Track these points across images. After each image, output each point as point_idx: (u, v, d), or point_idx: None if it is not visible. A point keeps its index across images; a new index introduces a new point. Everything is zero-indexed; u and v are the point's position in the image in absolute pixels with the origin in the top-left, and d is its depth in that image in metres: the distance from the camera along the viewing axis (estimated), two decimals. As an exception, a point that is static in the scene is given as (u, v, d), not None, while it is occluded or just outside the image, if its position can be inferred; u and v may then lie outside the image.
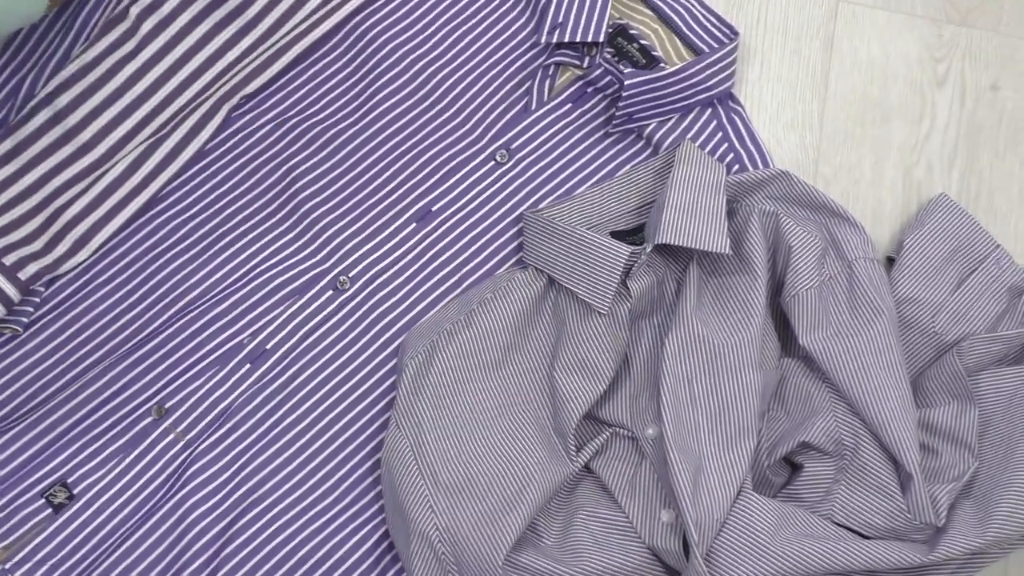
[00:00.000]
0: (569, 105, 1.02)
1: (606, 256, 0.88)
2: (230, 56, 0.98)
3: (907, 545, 0.84)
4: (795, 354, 0.94)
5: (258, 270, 0.96)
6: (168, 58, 0.96)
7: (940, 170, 1.05)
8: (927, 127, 1.06)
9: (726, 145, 1.02)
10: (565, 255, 0.91)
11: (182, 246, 0.96)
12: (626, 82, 0.96)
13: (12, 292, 0.91)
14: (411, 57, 1.02)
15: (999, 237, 1.03)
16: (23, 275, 0.92)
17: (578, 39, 0.99)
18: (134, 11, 0.96)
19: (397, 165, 0.99)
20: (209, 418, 0.92)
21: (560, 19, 1.00)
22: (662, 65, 1.04)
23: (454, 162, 1.00)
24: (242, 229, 0.97)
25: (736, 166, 1.01)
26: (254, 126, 0.99)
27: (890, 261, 1.01)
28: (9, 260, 0.91)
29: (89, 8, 0.98)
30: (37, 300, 0.93)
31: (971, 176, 1.05)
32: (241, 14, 0.98)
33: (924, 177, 1.05)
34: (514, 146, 1.00)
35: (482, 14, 1.04)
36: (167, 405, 0.92)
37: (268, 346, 0.94)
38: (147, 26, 0.96)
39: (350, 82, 1.01)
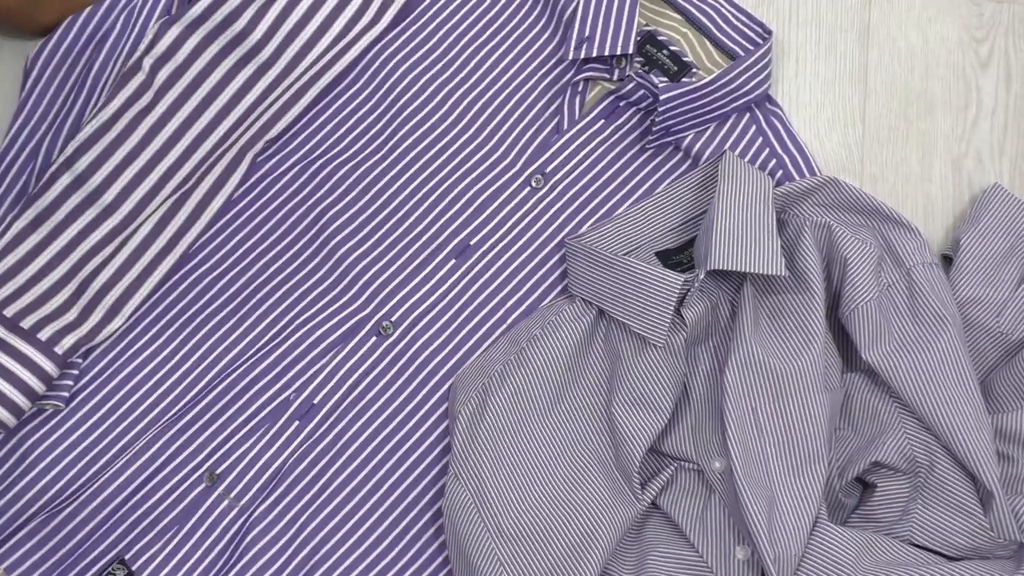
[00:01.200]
0: (602, 121, 0.98)
1: (659, 287, 0.85)
2: (249, 99, 0.95)
3: (993, 564, 0.81)
4: (857, 367, 0.91)
5: (298, 322, 0.93)
6: (186, 106, 0.93)
7: (990, 158, 1.02)
8: (973, 114, 1.02)
9: (767, 151, 0.98)
10: (615, 287, 0.87)
11: (217, 303, 0.93)
12: (661, 97, 0.93)
13: (50, 367, 0.89)
14: (434, 85, 0.98)
15: (1057, 224, 0.99)
16: (60, 349, 0.89)
17: (607, 52, 0.96)
18: (147, 62, 0.93)
19: (429, 200, 0.96)
20: (262, 480, 0.90)
21: (587, 33, 0.96)
22: (694, 70, 1.00)
23: (488, 191, 0.97)
24: (277, 280, 0.94)
25: (779, 171, 0.97)
26: (279, 171, 0.96)
27: (945, 259, 0.98)
28: (44, 335, 0.89)
29: (100, 63, 0.95)
30: (76, 372, 0.91)
31: (1022, 163, 1.02)
32: (256, 55, 0.95)
33: (974, 168, 1.01)
34: (549, 169, 0.97)
35: (503, 33, 1.00)
36: (218, 471, 0.90)
37: (315, 400, 0.92)
38: (162, 76, 0.93)
39: (373, 117, 0.98)
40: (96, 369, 0.92)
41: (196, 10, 0.94)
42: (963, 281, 0.93)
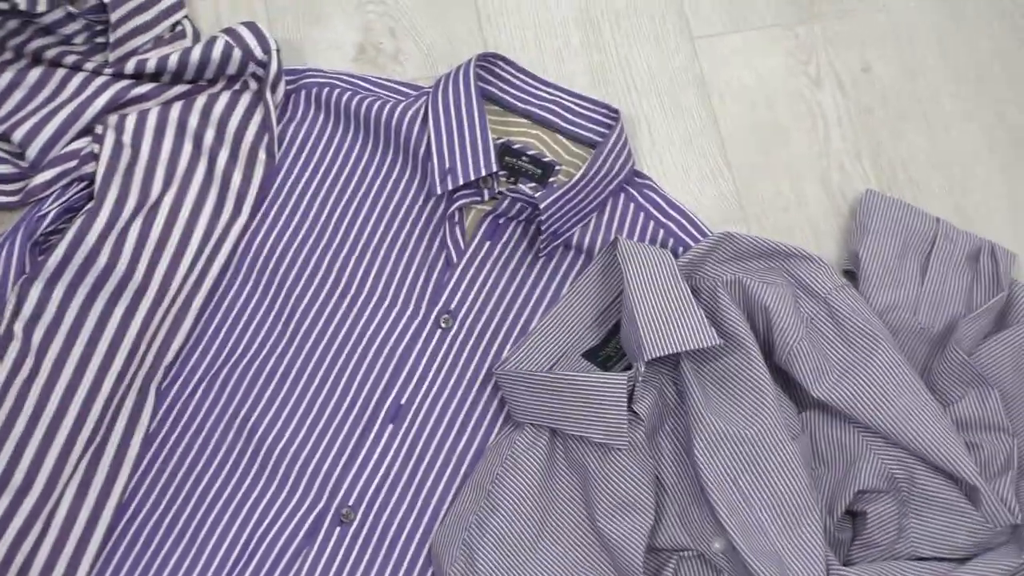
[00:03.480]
0: (488, 243, 0.98)
1: (607, 393, 0.84)
2: (133, 331, 0.91)
3: (1000, 553, 0.83)
4: (808, 405, 0.92)
5: (258, 535, 0.89)
6: (71, 360, 0.89)
7: (852, 165, 1.06)
8: (823, 129, 1.06)
9: (652, 223, 1.00)
10: (562, 405, 0.87)
11: (168, 544, 0.89)
12: (541, 205, 0.93)
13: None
14: (314, 257, 0.97)
15: (931, 208, 1.04)
16: (18, 653, 0.83)
17: (472, 178, 0.95)
18: (18, 327, 0.89)
19: (347, 373, 0.94)
20: None
21: (448, 164, 0.96)
22: (557, 168, 1.01)
23: (401, 346, 0.95)
24: (223, 500, 0.90)
25: (671, 240, 0.99)
26: (187, 391, 0.93)
27: (847, 273, 1.01)
28: (-2, 644, 0.82)
29: (-33, 343, 0.90)
30: (43, 669, 0.85)
31: (881, 159, 1.06)
32: (127, 285, 0.92)
33: (841, 178, 1.05)
34: (452, 306, 0.96)
35: (363, 187, 0.99)
36: None
37: (300, 612, 0.88)
38: (37, 337, 0.89)
39: (264, 307, 0.95)
40: (63, 659, 0.86)
41: (53, 261, 0.90)
42: (873, 291, 0.96)
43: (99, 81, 0.96)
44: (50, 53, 0.97)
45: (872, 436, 0.89)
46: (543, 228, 0.95)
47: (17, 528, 0.85)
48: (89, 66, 0.97)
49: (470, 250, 0.98)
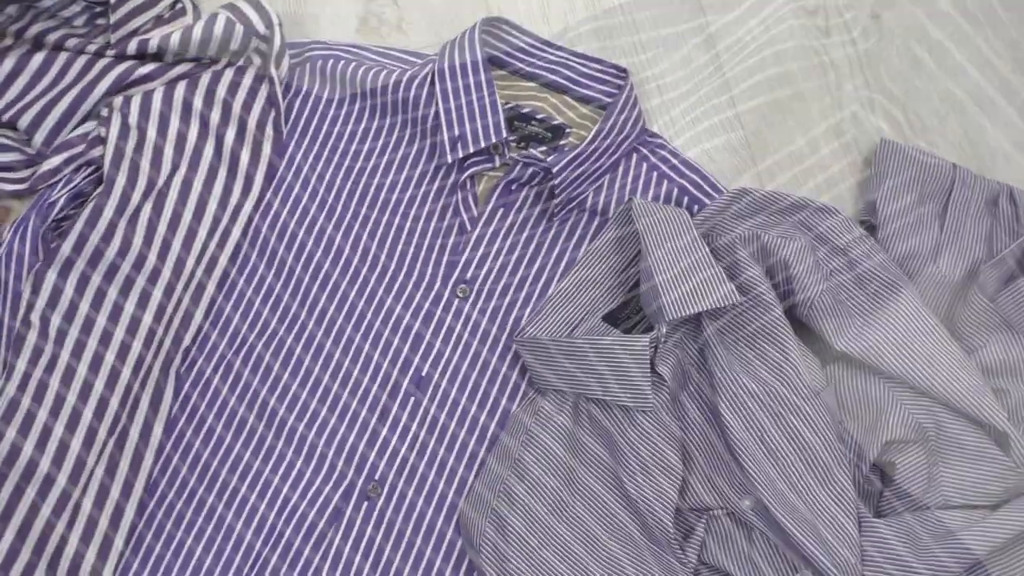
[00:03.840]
0: (502, 209, 0.97)
1: (630, 355, 0.84)
2: (148, 315, 0.91)
3: (1031, 498, 0.83)
4: (831, 358, 0.91)
5: (285, 514, 0.89)
6: (89, 346, 0.89)
7: (865, 115, 1.04)
8: (834, 79, 1.05)
9: (667, 182, 0.99)
10: (585, 369, 0.86)
11: (198, 525, 0.89)
12: (554, 169, 0.92)
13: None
14: (328, 231, 0.96)
15: (947, 155, 1.02)
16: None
17: (483, 145, 0.95)
18: (35, 316, 0.88)
19: (365, 348, 0.93)
20: None
21: (457, 132, 0.95)
22: (568, 130, 1.00)
23: (420, 318, 0.94)
24: (247, 481, 0.90)
25: (685, 197, 0.98)
26: (207, 372, 0.92)
27: (865, 224, 1.00)
28: (33, 632, 0.83)
29: (-15, 334, 0.89)
30: (78, 656, 0.85)
31: (894, 108, 1.05)
32: (141, 269, 0.91)
33: (855, 128, 1.04)
34: (469, 276, 0.95)
35: (372, 160, 0.98)
36: None
37: (333, 587, 0.88)
38: (55, 325, 0.89)
39: (279, 286, 0.94)
40: (99, 645, 0.86)
41: (66, 248, 0.90)
42: (893, 241, 0.95)
43: (102, 63, 0.95)
44: (51, 37, 0.96)
45: (897, 386, 0.88)
46: (556, 192, 0.94)
47: (46, 518, 0.85)
48: (91, 49, 0.96)
49: (484, 217, 0.97)
